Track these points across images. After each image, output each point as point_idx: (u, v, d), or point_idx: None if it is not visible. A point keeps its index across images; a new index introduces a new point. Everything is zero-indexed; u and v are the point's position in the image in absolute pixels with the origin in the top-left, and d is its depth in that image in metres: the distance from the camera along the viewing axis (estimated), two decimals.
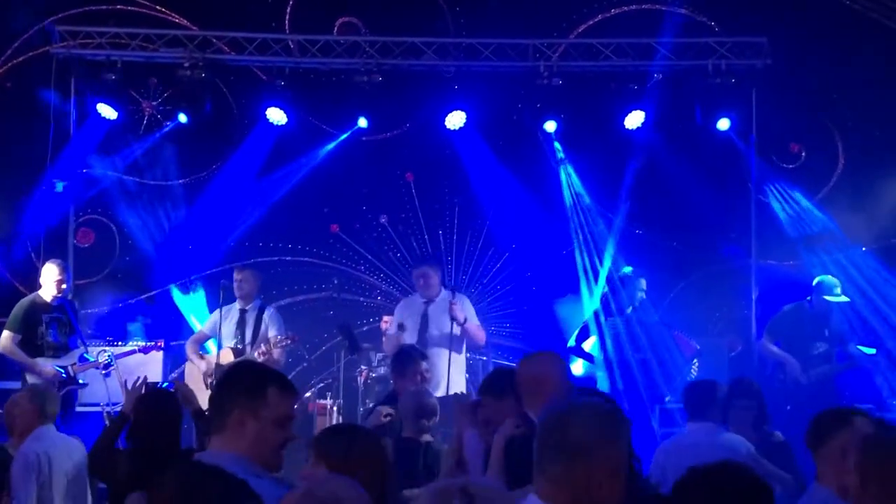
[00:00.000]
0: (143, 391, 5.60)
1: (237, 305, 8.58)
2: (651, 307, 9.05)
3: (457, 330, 8.38)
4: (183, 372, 9.19)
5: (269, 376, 3.34)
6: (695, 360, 8.98)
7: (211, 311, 9.28)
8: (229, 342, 8.38)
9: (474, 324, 8.65)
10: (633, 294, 8.96)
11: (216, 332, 8.67)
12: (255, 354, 8.35)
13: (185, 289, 10.22)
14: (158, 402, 5.13)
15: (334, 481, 2.62)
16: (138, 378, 5.80)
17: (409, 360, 6.73)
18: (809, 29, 9.64)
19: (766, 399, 6.42)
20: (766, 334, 8.85)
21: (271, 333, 8.54)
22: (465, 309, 8.57)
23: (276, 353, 8.38)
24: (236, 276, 8.76)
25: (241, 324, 8.52)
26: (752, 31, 9.81)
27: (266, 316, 8.63)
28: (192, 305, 10.03)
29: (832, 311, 8.64)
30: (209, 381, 8.39)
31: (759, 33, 9.74)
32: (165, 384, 6.41)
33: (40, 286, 8.53)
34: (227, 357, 8.24)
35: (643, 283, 9.07)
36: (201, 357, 8.59)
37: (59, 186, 9.59)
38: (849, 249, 9.77)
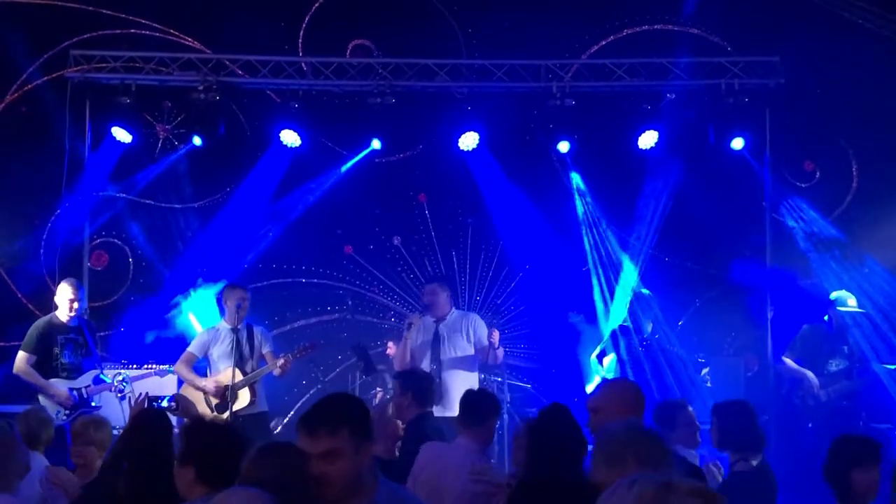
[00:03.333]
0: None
1: (226, 325, 8.47)
2: (668, 330, 9.01)
3: (469, 349, 8.29)
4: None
5: None
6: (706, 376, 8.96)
7: None
8: (227, 361, 8.30)
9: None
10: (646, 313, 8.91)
11: (207, 352, 8.59)
12: (281, 363, 8.25)
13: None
14: (149, 420, 5.03)
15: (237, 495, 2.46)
16: (140, 395, 5.75)
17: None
18: (822, 47, 9.64)
19: (786, 418, 6.31)
20: (786, 352, 8.80)
21: (265, 349, 8.51)
22: (479, 329, 8.44)
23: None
24: (244, 295, 8.64)
25: (237, 343, 8.45)
26: (764, 51, 9.84)
27: (258, 333, 8.60)
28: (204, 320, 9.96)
29: (850, 326, 8.60)
30: (213, 402, 8.30)
31: (772, 52, 9.77)
32: (167, 399, 6.35)
33: (55, 308, 8.49)
34: (237, 376, 8.18)
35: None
36: (199, 378, 8.47)
37: None
38: (862, 265, 9.73)
